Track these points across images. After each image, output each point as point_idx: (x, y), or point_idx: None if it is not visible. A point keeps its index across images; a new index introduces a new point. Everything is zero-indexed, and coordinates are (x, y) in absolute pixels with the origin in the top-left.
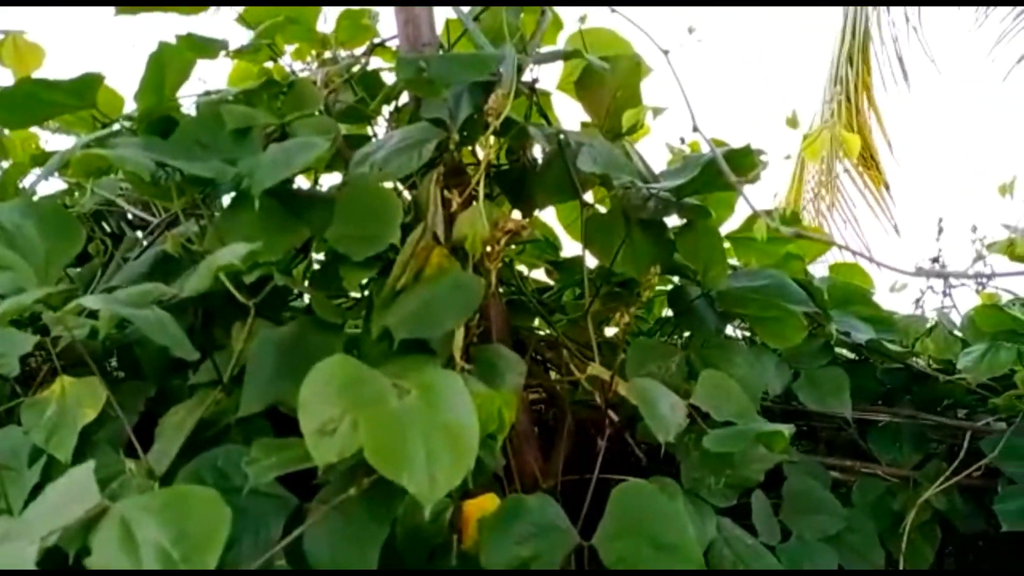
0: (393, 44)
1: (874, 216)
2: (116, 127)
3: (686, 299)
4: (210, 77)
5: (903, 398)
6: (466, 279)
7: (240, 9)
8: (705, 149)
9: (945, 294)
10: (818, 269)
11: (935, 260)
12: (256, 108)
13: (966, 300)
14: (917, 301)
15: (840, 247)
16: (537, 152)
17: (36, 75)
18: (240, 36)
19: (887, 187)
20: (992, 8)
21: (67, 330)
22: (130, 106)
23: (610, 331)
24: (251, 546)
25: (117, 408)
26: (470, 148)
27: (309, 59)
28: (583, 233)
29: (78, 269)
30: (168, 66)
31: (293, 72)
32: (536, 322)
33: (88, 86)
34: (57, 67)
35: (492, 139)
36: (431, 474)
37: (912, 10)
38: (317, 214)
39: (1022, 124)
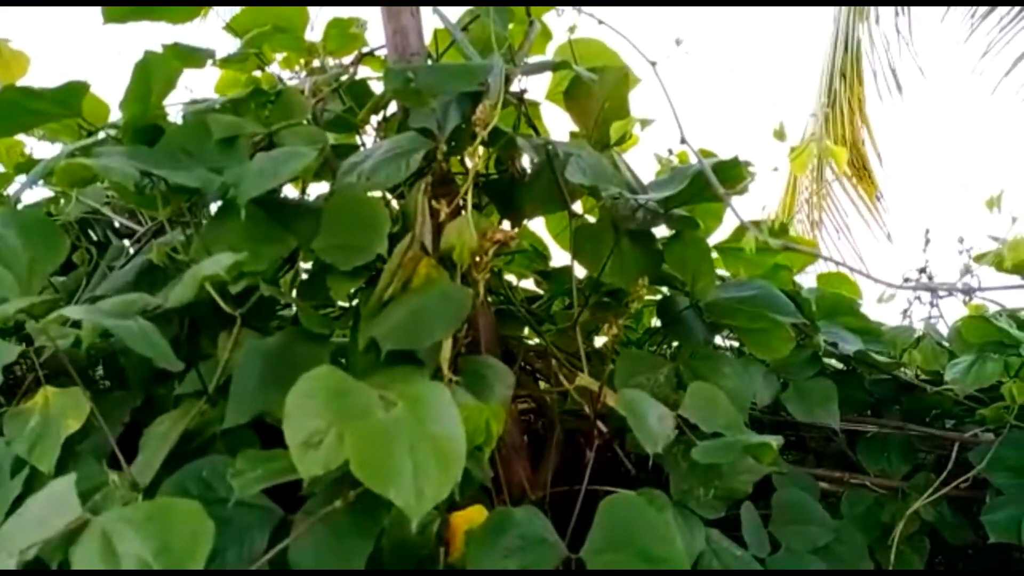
0: (381, 54)
1: (866, 225)
2: (102, 135)
3: (675, 309)
4: (198, 86)
5: (891, 409)
6: (454, 289)
7: (228, 18)
8: (693, 160)
9: (932, 305)
10: (806, 279)
11: (922, 271)
12: (243, 117)
13: (953, 311)
14: (905, 312)
15: (826, 259)
16: (526, 162)
17: (21, 83)
18: (228, 45)
19: (879, 197)
20: (980, 20)
21: (50, 340)
22: (116, 114)
23: (599, 341)
24: (235, 558)
25: (100, 419)
26: (458, 158)
27: (297, 68)
28: (572, 243)
29: (63, 278)
30: (154, 75)
31: (281, 81)
32: (525, 331)
33: (73, 94)
34: (43, 75)
35: (480, 149)
36: (418, 487)
37: (903, 22)
38: (304, 224)
39: (1010, 135)
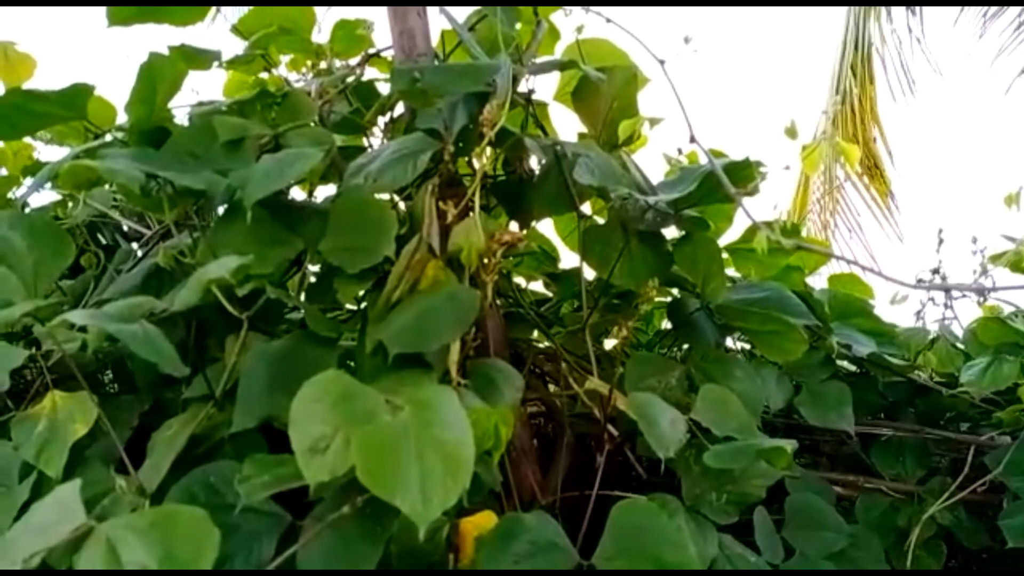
0: (388, 55)
1: (879, 225)
2: (108, 138)
3: (685, 311)
4: (205, 89)
5: (906, 412)
6: (462, 292)
7: (235, 19)
8: (703, 160)
9: (946, 306)
10: (817, 281)
11: (935, 272)
12: (249, 119)
13: (968, 312)
14: (918, 313)
15: (838, 258)
16: (534, 164)
17: (27, 86)
18: (236, 48)
19: (891, 196)
20: (992, 20)
21: (56, 344)
22: (123, 117)
23: (609, 343)
24: (243, 564)
25: (107, 424)
26: (466, 160)
27: (304, 70)
28: (581, 245)
29: (71, 282)
30: (159, 77)
31: (288, 83)
32: (534, 334)
33: (78, 96)
34: (49, 78)
35: (488, 150)
36: (425, 494)
37: (915, 21)
38: (311, 226)
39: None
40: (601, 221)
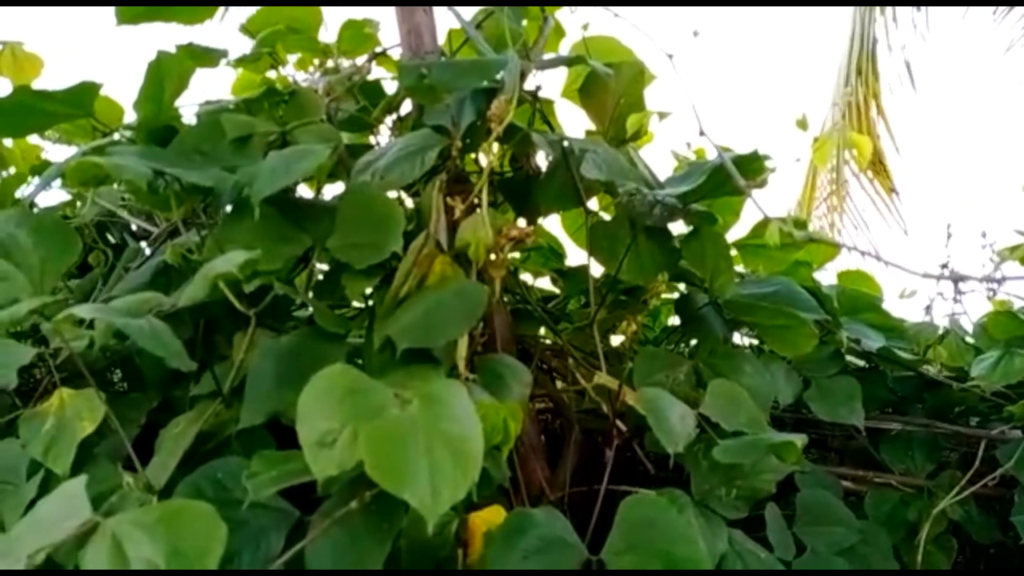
0: (395, 53)
1: (884, 221)
2: (116, 137)
3: (693, 307)
4: (215, 90)
5: (915, 406)
6: (469, 287)
7: (243, 19)
8: (711, 155)
9: (955, 300)
10: (824, 277)
11: (944, 266)
12: (256, 117)
13: (976, 307)
14: (927, 308)
15: (851, 249)
16: (541, 160)
17: (34, 85)
18: (244, 47)
19: (896, 192)
20: (1002, 17)
21: (63, 341)
22: (131, 116)
23: (616, 339)
24: (250, 560)
25: (115, 421)
26: (473, 156)
27: (311, 69)
28: (588, 240)
29: (79, 280)
30: (167, 75)
31: (296, 82)
32: (542, 331)
33: (85, 94)
34: (57, 77)
35: (495, 146)
36: (434, 487)
37: (920, 17)
38: (318, 223)
39: None
40: (608, 217)
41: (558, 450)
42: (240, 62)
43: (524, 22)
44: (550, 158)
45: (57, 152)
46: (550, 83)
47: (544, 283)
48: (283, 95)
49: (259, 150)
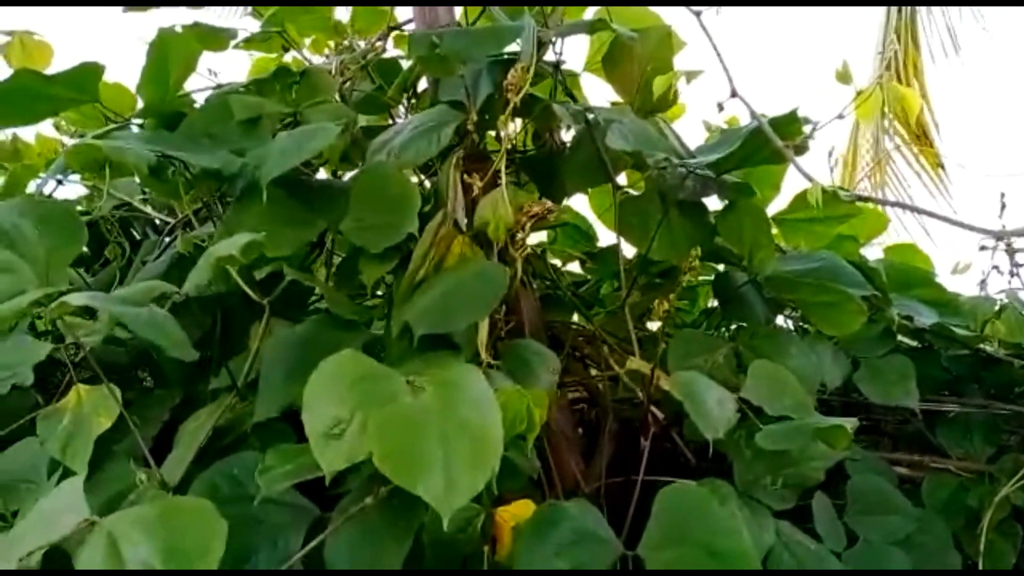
0: (410, 30)
1: (930, 196)
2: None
3: (732, 286)
4: (230, 75)
5: (972, 386)
6: (490, 268)
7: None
8: (744, 121)
9: (1013, 274)
10: (871, 254)
11: (1000, 238)
12: (268, 98)
13: None
14: (981, 283)
15: (908, 207)
16: (565, 136)
17: None
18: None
19: (942, 167)
20: None
21: (73, 335)
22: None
23: (653, 326)
24: (267, 558)
25: (129, 418)
26: (493, 133)
27: (327, 52)
28: (617, 218)
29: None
30: (172, 55)
31: (310, 64)
32: (573, 317)
33: (87, 77)
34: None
35: (517, 123)
36: (450, 478)
37: None
38: (332, 206)
39: None
40: (637, 193)
41: (594, 441)
42: (249, 43)
43: None
44: (573, 132)
45: None
46: (573, 57)
47: (575, 268)
48: (295, 76)
49: (268, 131)
